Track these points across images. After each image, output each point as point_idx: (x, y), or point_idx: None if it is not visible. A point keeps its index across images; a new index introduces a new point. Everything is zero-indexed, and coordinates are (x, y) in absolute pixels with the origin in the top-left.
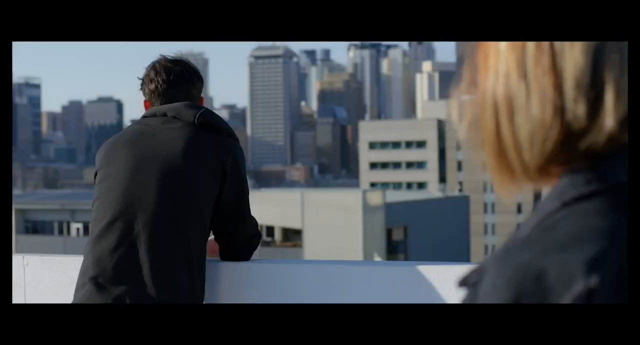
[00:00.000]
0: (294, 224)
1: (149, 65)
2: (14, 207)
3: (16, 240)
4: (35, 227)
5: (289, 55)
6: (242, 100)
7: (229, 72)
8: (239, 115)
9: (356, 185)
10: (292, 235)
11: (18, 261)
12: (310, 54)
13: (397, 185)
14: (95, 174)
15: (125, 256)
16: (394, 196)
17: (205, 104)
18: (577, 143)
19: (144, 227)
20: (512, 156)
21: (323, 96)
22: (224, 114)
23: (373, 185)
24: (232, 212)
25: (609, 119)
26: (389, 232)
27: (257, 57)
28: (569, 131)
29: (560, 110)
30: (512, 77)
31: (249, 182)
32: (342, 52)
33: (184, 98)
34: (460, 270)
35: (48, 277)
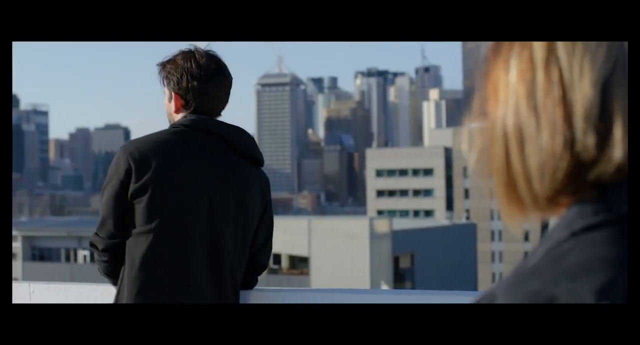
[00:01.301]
0: (300, 252)
1: (185, 53)
2: (21, 234)
3: (23, 267)
4: (42, 255)
5: (296, 82)
6: (249, 127)
7: (236, 99)
8: None
9: (363, 212)
10: (299, 263)
11: (24, 288)
12: (318, 81)
13: (404, 213)
14: (137, 177)
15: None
16: (401, 224)
17: None
18: (587, 174)
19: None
20: (522, 186)
21: (330, 124)
22: None
23: (380, 212)
24: (264, 243)
25: (618, 150)
26: (396, 260)
27: (264, 85)
28: (579, 162)
29: (570, 141)
30: (522, 109)
31: None
32: (349, 80)
33: (224, 101)
34: (467, 299)
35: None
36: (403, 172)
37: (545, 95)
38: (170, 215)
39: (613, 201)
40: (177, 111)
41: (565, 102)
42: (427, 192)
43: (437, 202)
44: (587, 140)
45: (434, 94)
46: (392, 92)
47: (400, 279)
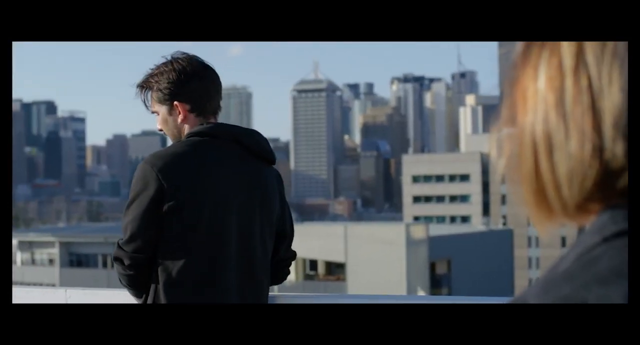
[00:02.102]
0: (337, 258)
1: (165, 63)
2: (58, 240)
3: (60, 273)
4: (79, 260)
5: (332, 88)
6: (285, 134)
7: (273, 106)
8: (282, 148)
9: (399, 218)
10: (336, 269)
11: (60, 294)
12: (354, 87)
13: (440, 219)
14: (174, 194)
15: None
16: (437, 230)
17: None
18: (616, 181)
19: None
20: (551, 193)
21: (366, 130)
22: None
23: (416, 218)
24: (291, 232)
25: None
26: (432, 266)
27: (300, 91)
28: (608, 170)
29: (598, 149)
30: (551, 116)
31: (293, 216)
32: (385, 86)
33: (220, 99)
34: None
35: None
36: (439, 178)
37: (574, 103)
38: (206, 229)
39: None
40: (184, 120)
41: (594, 110)
42: (464, 198)
43: (473, 208)
44: (616, 148)
45: (470, 99)
46: (428, 98)
47: (436, 285)
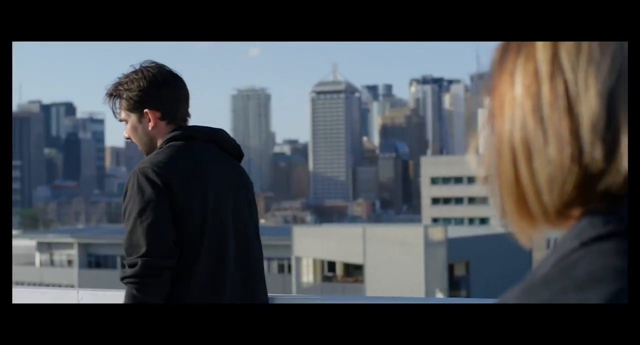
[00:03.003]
0: (355, 259)
1: (148, 68)
2: (77, 241)
3: (79, 274)
4: (98, 262)
5: (350, 90)
6: (304, 135)
7: (291, 107)
8: (301, 150)
9: (418, 220)
10: (354, 271)
11: (72, 295)
12: (372, 89)
13: (459, 221)
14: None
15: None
16: (456, 231)
17: (268, 139)
18: (596, 185)
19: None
20: (532, 200)
21: (385, 131)
22: (286, 149)
23: (435, 220)
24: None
25: (626, 161)
26: (450, 268)
27: (318, 93)
28: (587, 174)
29: (577, 153)
30: (528, 123)
31: (311, 217)
32: (404, 87)
33: (188, 114)
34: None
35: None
36: (458, 180)
37: (552, 109)
38: (210, 230)
39: (624, 211)
40: (155, 127)
41: (572, 115)
42: (482, 200)
43: (492, 210)
44: (594, 152)
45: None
46: (447, 100)
47: (455, 287)
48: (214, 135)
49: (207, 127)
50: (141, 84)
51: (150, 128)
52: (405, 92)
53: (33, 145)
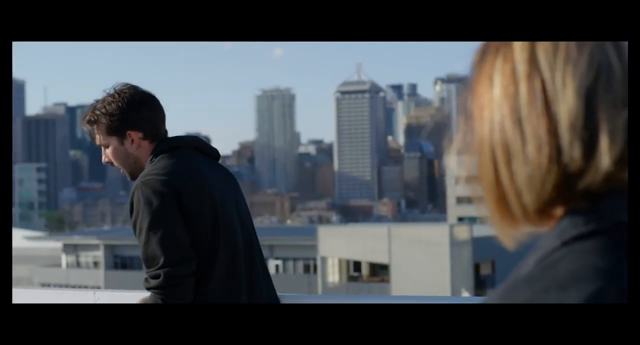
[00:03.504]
0: (381, 259)
1: (124, 91)
2: (103, 243)
3: (105, 275)
4: (123, 263)
5: (375, 90)
6: (329, 135)
7: (316, 107)
8: (326, 150)
9: (443, 219)
10: (380, 270)
11: (89, 296)
12: (397, 88)
13: (484, 220)
14: (182, 202)
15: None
16: (481, 230)
17: (293, 139)
18: (575, 184)
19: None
20: (512, 200)
21: (410, 131)
22: (311, 149)
23: (460, 219)
24: None
25: (605, 159)
26: (476, 267)
27: (343, 93)
28: (566, 173)
29: (556, 153)
30: (507, 124)
31: (337, 217)
32: (429, 86)
33: (166, 132)
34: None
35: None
36: None
37: (529, 109)
38: (223, 233)
39: (605, 210)
40: (139, 148)
41: (550, 114)
42: None
43: None
44: (573, 151)
45: None
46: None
47: (481, 286)
48: (195, 142)
49: (185, 135)
50: (120, 105)
51: (134, 149)
52: (430, 91)
53: (58, 147)
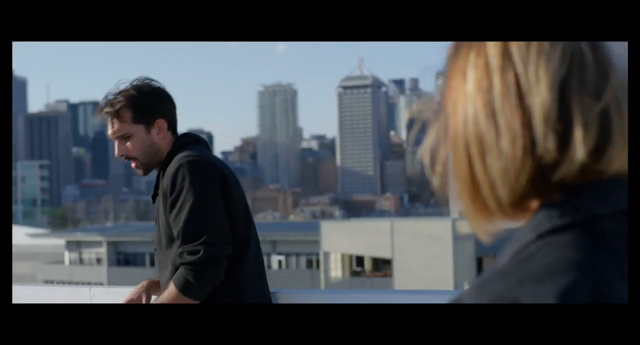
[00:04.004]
0: (383, 254)
1: (149, 81)
2: (105, 239)
3: (108, 272)
4: (127, 259)
5: (377, 84)
6: (331, 130)
7: (318, 102)
8: (328, 145)
9: (446, 214)
10: (382, 265)
11: (84, 293)
12: (399, 83)
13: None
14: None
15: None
16: None
17: (295, 135)
18: (550, 176)
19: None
20: (487, 194)
21: (412, 125)
22: (313, 145)
23: (462, 214)
24: None
25: (580, 150)
26: (479, 261)
27: (345, 88)
28: (541, 165)
29: (530, 145)
30: (480, 117)
31: (340, 212)
32: (431, 81)
33: None
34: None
35: None
36: None
37: (503, 101)
38: (248, 223)
39: (580, 203)
40: (164, 138)
41: (523, 107)
42: None
43: None
44: (547, 143)
45: None
46: None
47: None
48: (199, 137)
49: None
50: (148, 95)
51: (160, 139)
52: (432, 85)
53: (61, 144)
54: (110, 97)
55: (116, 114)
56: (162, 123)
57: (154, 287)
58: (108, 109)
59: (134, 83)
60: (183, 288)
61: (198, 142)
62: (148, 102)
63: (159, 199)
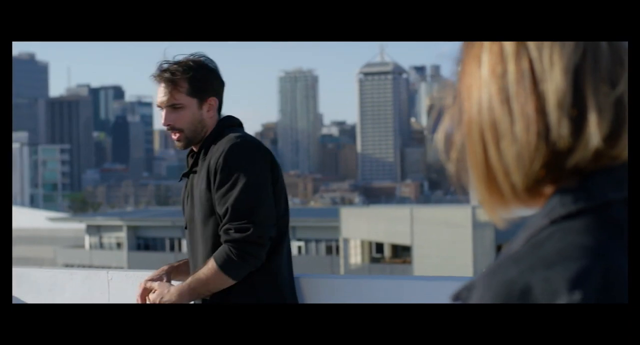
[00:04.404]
0: (403, 241)
1: (208, 59)
2: (125, 224)
3: (128, 256)
4: (147, 244)
5: (398, 71)
6: (351, 116)
7: (339, 89)
8: (348, 131)
9: (466, 201)
10: (402, 252)
11: (102, 276)
12: (420, 69)
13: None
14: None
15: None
16: None
17: (316, 121)
18: (564, 162)
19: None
20: (501, 180)
21: (432, 112)
22: (334, 131)
23: None
24: None
25: (594, 136)
26: (498, 248)
27: (366, 74)
28: (555, 151)
29: (544, 131)
30: (495, 103)
31: (360, 198)
32: (452, 68)
33: None
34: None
35: (131, 292)
36: None
37: (517, 87)
38: (287, 208)
39: (593, 189)
40: (212, 117)
41: (538, 93)
42: None
43: None
44: (561, 129)
45: None
46: None
47: None
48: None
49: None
50: (211, 72)
51: (209, 117)
52: (454, 72)
53: (82, 128)
54: (167, 65)
55: (173, 83)
56: (214, 101)
57: (174, 271)
58: (167, 75)
59: (194, 57)
60: (224, 264)
61: (240, 126)
62: (205, 79)
63: (198, 176)
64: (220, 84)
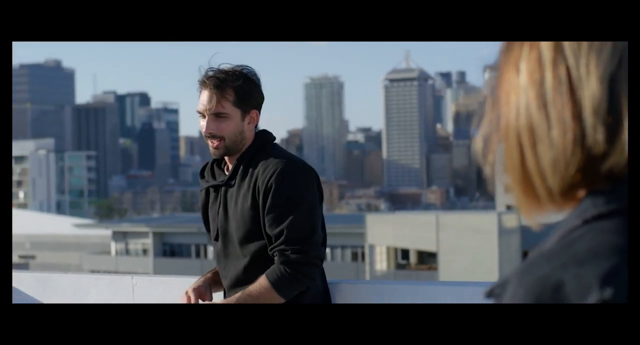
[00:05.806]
0: (429, 247)
1: (253, 71)
2: (151, 230)
3: (154, 263)
4: (172, 250)
5: (423, 77)
6: (377, 123)
7: (364, 95)
8: (374, 138)
9: (492, 207)
10: (427, 258)
11: (127, 281)
12: (446, 76)
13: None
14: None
15: None
16: None
17: (341, 127)
18: (598, 167)
19: None
20: (537, 183)
21: (458, 118)
22: (359, 137)
23: (509, 207)
24: None
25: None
26: (524, 255)
27: (392, 80)
28: (590, 156)
29: (580, 137)
30: (532, 109)
31: (385, 205)
32: (478, 74)
33: None
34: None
35: (155, 298)
36: None
37: (554, 94)
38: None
39: (625, 191)
40: (251, 130)
41: (574, 99)
42: None
43: None
44: (597, 135)
45: None
46: None
47: None
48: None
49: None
50: (253, 84)
51: (249, 129)
52: (479, 78)
53: (108, 135)
54: (215, 72)
55: (221, 91)
56: (255, 114)
57: (213, 282)
58: (216, 82)
59: (240, 68)
60: (277, 283)
61: (274, 140)
62: (250, 91)
63: (237, 191)
64: (262, 98)
